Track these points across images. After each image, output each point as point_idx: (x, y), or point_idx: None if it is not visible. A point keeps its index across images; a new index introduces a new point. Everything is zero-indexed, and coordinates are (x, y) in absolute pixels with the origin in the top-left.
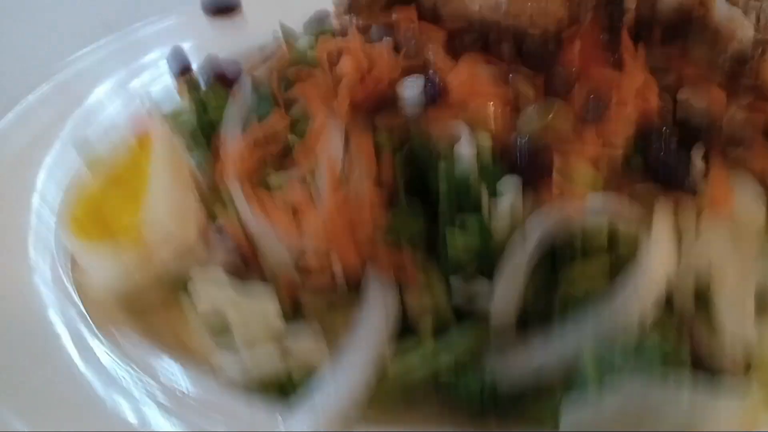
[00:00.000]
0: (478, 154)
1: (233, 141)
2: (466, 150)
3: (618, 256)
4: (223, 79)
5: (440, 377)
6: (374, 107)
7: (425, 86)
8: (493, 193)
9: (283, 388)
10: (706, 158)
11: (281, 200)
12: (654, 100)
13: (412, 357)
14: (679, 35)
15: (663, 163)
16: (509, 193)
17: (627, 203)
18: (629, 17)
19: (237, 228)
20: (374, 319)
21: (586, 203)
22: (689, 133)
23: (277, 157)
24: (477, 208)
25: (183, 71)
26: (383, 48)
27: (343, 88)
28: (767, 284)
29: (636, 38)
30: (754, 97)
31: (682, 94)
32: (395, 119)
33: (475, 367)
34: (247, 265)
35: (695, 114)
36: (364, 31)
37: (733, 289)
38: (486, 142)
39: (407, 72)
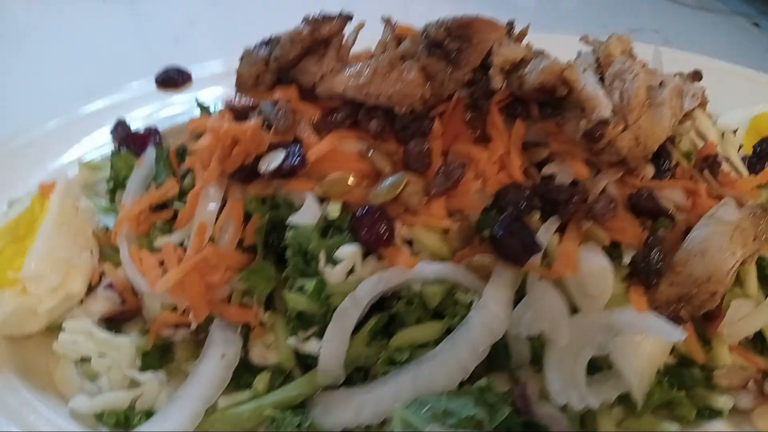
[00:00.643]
0: (325, 223)
1: (128, 204)
2: (306, 219)
3: (450, 322)
4: (136, 148)
5: (265, 414)
6: (246, 177)
7: (285, 159)
8: (332, 260)
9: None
10: (562, 229)
11: (157, 258)
12: (514, 174)
13: (242, 395)
14: (556, 112)
15: (498, 238)
16: (346, 259)
17: (464, 271)
18: (501, 95)
19: (124, 282)
20: (210, 365)
21: (418, 270)
22: (551, 205)
23: (167, 221)
24: (318, 273)
25: (121, 141)
26: (250, 125)
27: (214, 160)
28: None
29: (515, 115)
30: (624, 171)
31: (548, 169)
32: (264, 188)
33: (298, 407)
34: (128, 316)
35: (557, 189)
36: (249, 109)
37: (564, 355)
38: (334, 212)
39: (276, 146)
